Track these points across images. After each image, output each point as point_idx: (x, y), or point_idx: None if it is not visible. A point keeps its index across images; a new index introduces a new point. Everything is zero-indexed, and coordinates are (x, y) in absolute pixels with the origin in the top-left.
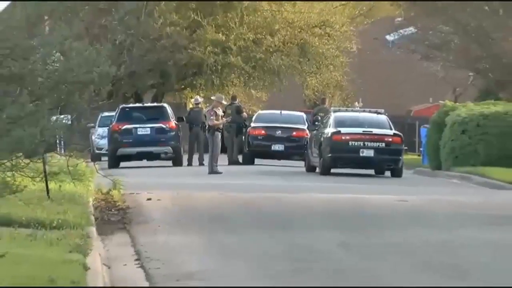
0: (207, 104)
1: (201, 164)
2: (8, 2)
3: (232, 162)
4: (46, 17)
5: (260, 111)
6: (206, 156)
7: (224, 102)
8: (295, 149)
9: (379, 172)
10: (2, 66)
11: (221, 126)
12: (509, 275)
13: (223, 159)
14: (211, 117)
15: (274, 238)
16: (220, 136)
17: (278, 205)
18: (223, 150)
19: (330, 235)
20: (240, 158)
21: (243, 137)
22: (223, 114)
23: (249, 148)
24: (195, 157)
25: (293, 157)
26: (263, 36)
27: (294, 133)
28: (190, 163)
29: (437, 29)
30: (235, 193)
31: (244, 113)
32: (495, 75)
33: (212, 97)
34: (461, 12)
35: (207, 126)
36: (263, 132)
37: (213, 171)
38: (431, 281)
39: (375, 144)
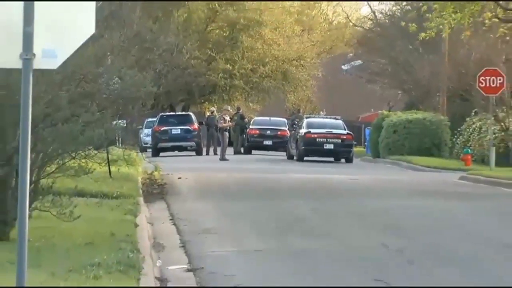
0: (219, 113)
1: (215, 154)
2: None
3: (237, 152)
4: (108, 53)
5: (256, 118)
6: (218, 149)
7: (231, 111)
8: (279, 143)
9: (337, 160)
10: (79, 86)
11: (228, 128)
12: (430, 229)
13: (230, 151)
14: (221, 121)
15: (265, 205)
16: (228, 135)
17: (268, 182)
18: (230, 144)
19: (304, 203)
20: (242, 150)
21: (244, 135)
22: (230, 119)
23: (248, 143)
24: (211, 149)
25: (278, 149)
26: (258, 66)
27: (279, 132)
28: (207, 153)
29: (376, 61)
30: (238, 174)
31: (246, 119)
32: (416, 93)
33: (226, 108)
34: (393, 50)
35: (218, 128)
36: (257, 132)
37: (223, 158)
38: (376, 235)
39: (334, 140)
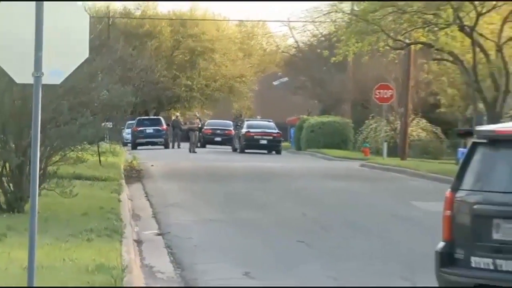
0: (178, 116)
1: (178, 148)
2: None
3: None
4: (99, 72)
5: (209, 120)
6: (182, 144)
7: (198, 115)
8: (226, 140)
9: (269, 152)
10: (77, 97)
11: (196, 128)
12: (339, 202)
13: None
14: (189, 124)
15: (216, 185)
16: (197, 134)
17: (218, 168)
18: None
19: (246, 184)
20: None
21: (200, 134)
22: (197, 121)
23: (203, 139)
24: (175, 144)
25: (225, 144)
26: (210, 82)
27: (226, 131)
28: (173, 147)
29: (298, 78)
30: (196, 162)
31: (202, 122)
32: (328, 102)
33: (195, 114)
34: (311, 70)
35: (186, 128)
36: (210, 131)
37: (193, 151)
38: (298, 208)
39: (267, 137)
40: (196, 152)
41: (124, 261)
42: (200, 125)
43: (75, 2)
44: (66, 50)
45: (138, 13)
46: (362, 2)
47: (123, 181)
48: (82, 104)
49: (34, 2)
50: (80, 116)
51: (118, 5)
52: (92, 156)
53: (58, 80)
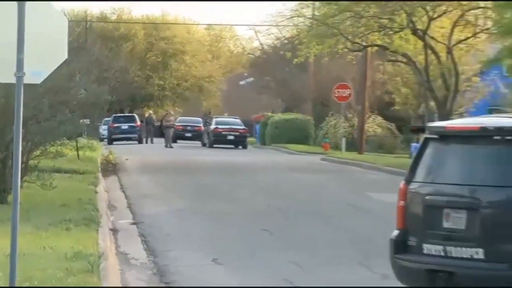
0: (151, 113)
1: (151, 143)
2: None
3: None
4: (77, 73)
5: (180, 117)
6: (155, 139)
7: (173, 112)
8: (196, 136)
9: (236, 147)
10: (56, 96)
11: (172, 125)
12: (301, 193)
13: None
14: (165, 122)
15: (187, 178)
16: (171, 130)
17: (189, 162)
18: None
19: (217, 177)
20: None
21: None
22: (172, 119)
23: (175, 135)
24: (149, 139)
25: (195, 140)
26: (181, 82)
27: (196, 128)
28: (146, 142)
29: (263, 79)
30: (167, 156)
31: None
32: (291, 101)
33: (170, 112)
34: (275, 71)
35: (163, 125)
36: (181, 127)
37: (170, 146)
38: (264, 199)
39: (234, 133)
40: (172, 147)
41: (100, 248)
42: (175, 122)
43: (55, 7)
44: (46, 52)
45: (113, 17)
46: (322, 7)
47: (100, 174)
48: (61, 102)
49: (16, 8)
50: (60, 113)
51: (95, 10)
52: (70, 151)
53: (38, 80)
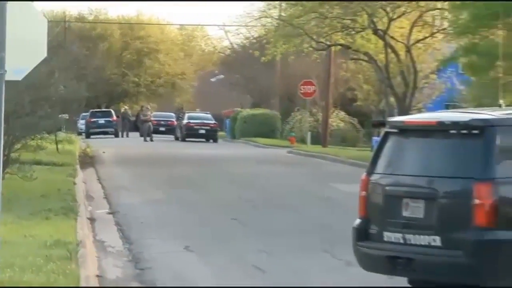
0: (127, 108)
1: (127, 137)
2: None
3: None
4: (56, 70)
5: (154, 113)
6: (131, 133)
7: (150, 107)
8: (170, 130)
9: (207, 140)
10: (37, 92)
11: (149, 119)
12: (270, 185)
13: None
14: (143, 117)
15: (161, 170)
16: (149, 124)
17: (163, 155)
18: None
19: (187, 168)
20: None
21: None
22: (149, 114)
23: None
24: (124, 133)
25: (169, 134)
26: (155, 79)
27: (169, 122)
28: (122, 136)
29: (233, 76)
30: (146, 149)
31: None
32: (259, 97)
33: (147, 107)
34: (244, 69)
35: (141, 120)
36: (155, 122)
37: (150, 140)
38: (234, 190)
39: (205, 127)
40: (153, 141)
41: (78, 236)
42: (152, 117)
43: (35, 8)
44: (27, 51)
45: (91, 17)
46: (289, 9)
47: (78, 167)
48: (41, 98)
49: None
50: (40, 108)
51: (73, 11)
52: (50, 144)
53: (19, 77)
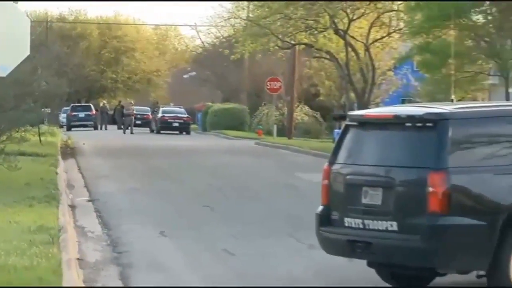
0: (105, 103)
1: (105, 129)
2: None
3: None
4: (39, 67)
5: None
6: (109, 126)
7: (133, 102)
8: (145, 123)
9: (181, 133)
10: (21, 88)
11: (132, 113)
12: (238, 174)
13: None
14: (126, 111)
15: (138, 161)
16: (131, 118)
17: (139, 146)
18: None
19: (162, 159)
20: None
21: (124, 118)
22: (132, 108)
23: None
24: (103, 126)
25: (145, 126)
26: (132, 76)
27: (145, 116)
28: (101, 129)
29: (204, 73)
30: (123, 141)
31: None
32: (228, 92)
33: (130, 101)
34: (214, 66)
35: (124, 113)
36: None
37: (131, 133)
38: (205, 179)
39: (179, 120)
40: (133, 133)
41: (60, 222)
42: (134, 111)
43: (19, 9)
44: (11, 49)
45: (71, 18)
46: (256, 10)
47: (60, 157)
48: (25, 93)
49: None
50: (23, 103)
51: (55, 11)
52: (33, 136)
53: (4, 73)
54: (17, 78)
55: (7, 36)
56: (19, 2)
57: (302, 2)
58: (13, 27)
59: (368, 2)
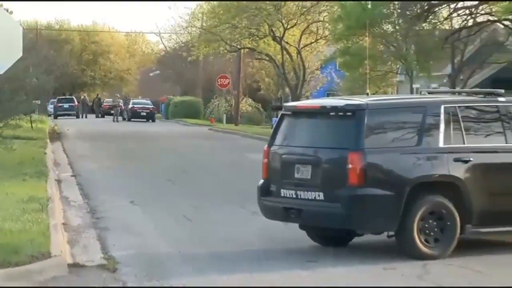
0: (85, 96)
1: (86, 118)
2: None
3: (97, 117)
4: (30, 66)
5: (106, 99)
6: (89, 115)
7: (119, 96)
8: (120, 113)
9: (147, 121)
10: (15, 83)
11: (117, 105)
12: (196, 154)
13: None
14: (113, 102)
15: (112, 144)
16: (117, 109)
17: (113, 132)
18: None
19: (133, 143)
20: (99, 115)
21: (100, 108)
22: (119, 100)
23: (102, 112)
24: (84, 115)
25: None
26: (108, 74)
27: (118, 107)
28: (82, 117)
29: (167, 71)
30: (100, 127)
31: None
32: (186, 87)
33: (116, 95)
34: (175, 66)
35: (111, 104)
36: (107, 106)
37: (118, 121)
38: (169, 159)
39: (146, 110)
40: (118, 121)
41: (48, 194)
42: (121, 103)
43: (13, 18)
44: (6, 51)
45: (57, 26)
46: (209, 20)
47: (48, 140)
48: (19, 88)
49: None
50: (18, 96)
51: (43, 21)
52: (26, 123)
53: (1, 71)
54: (12, 75)
55: (3, 42)
56: (14, 13)
57: (245, 14)
58: (8, 34)
59: (299, 14)
